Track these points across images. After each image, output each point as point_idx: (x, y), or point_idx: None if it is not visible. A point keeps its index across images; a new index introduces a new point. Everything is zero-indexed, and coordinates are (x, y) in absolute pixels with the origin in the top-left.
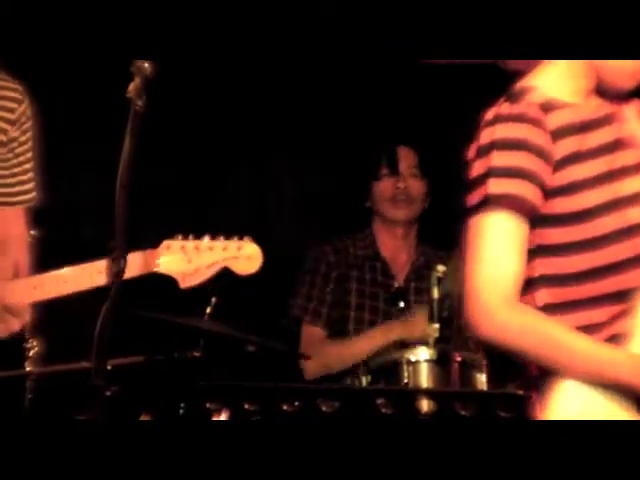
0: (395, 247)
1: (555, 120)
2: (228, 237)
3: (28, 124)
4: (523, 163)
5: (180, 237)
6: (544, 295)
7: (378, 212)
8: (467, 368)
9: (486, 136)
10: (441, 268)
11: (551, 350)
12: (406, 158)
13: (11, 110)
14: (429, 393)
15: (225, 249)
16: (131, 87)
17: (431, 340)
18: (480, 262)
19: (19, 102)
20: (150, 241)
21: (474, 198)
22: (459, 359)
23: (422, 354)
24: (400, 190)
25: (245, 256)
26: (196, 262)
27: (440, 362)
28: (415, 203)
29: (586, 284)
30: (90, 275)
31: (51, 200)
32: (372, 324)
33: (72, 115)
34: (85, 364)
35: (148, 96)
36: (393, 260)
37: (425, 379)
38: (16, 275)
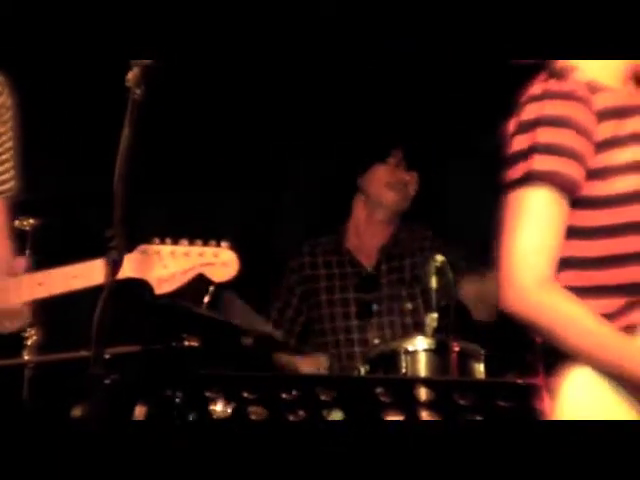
0: (366, 233)
1: (600, 101)
2: (206, 242)
3: (7, 115)
4: (570, 141)
5: (157, 241)
6: (568, 277)
7: (369, 194)
8: (465, 358)
9: (531, 111)
10: (440, 258)
11: (577, 336)
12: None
13: None
14: (427, 382)
15: (201, 255)
16: (130, 76)
17: (429, 329)
18: (518, 238)
19: None
20: (151, 229)
21: (515, 173)
22: (457, 349)
23: (420, 344)
24: (402, 179)
25: (221, 262)
26: (172, 268)
27: (438, 352)
28: (407, 198)
29: (608, 270)
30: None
31: (54, 189)
32: (346, 317)
33: (73, 105)
34: (83, 352)
35: (151, 85)
36: (358, 249)
37: (423, 368)
38: None
